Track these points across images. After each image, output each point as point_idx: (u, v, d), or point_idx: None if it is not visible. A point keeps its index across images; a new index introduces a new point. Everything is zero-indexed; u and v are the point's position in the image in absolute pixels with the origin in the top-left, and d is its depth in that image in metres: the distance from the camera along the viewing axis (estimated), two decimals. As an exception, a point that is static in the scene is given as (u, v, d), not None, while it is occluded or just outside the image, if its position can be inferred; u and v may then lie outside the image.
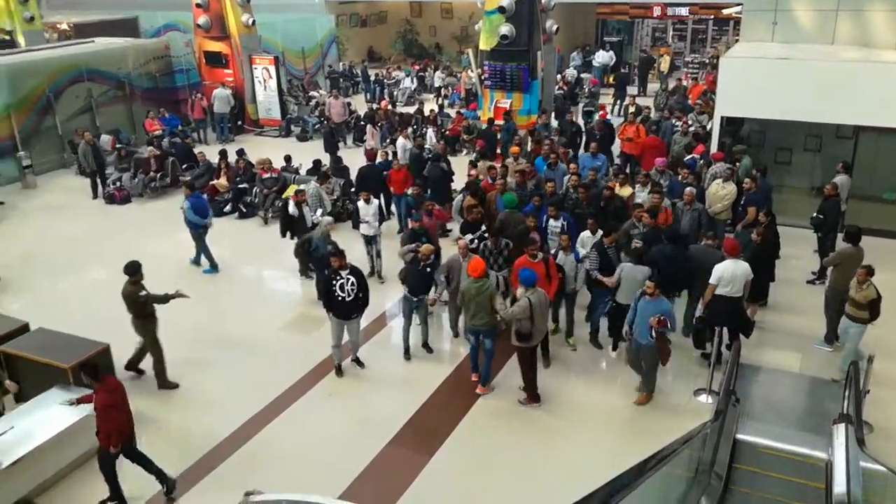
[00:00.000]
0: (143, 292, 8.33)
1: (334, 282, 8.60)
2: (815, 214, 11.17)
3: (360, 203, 11.21)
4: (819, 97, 12.23)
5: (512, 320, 7.98)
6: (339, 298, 8.56)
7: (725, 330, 8.66)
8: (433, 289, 9.31)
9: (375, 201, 11.39)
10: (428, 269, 9.04)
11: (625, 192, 11.30)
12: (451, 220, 11.61)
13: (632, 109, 17.15)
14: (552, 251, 9.38)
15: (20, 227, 14.24)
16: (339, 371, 9.01)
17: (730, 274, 8.45)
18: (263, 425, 8.07)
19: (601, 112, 16.98)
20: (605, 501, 4.92)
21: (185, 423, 8.23)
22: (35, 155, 16.92)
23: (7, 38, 23.80)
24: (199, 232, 11.93)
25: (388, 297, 10.93)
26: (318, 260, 10.39)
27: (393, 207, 13.39)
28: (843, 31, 14.06)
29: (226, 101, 19.60)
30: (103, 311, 10.36)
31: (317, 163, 14.70)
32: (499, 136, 15.67)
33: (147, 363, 8.84)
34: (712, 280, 8.48)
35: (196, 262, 12.19)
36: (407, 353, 9.33)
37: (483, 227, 10.27)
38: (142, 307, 8.40)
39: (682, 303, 9.67)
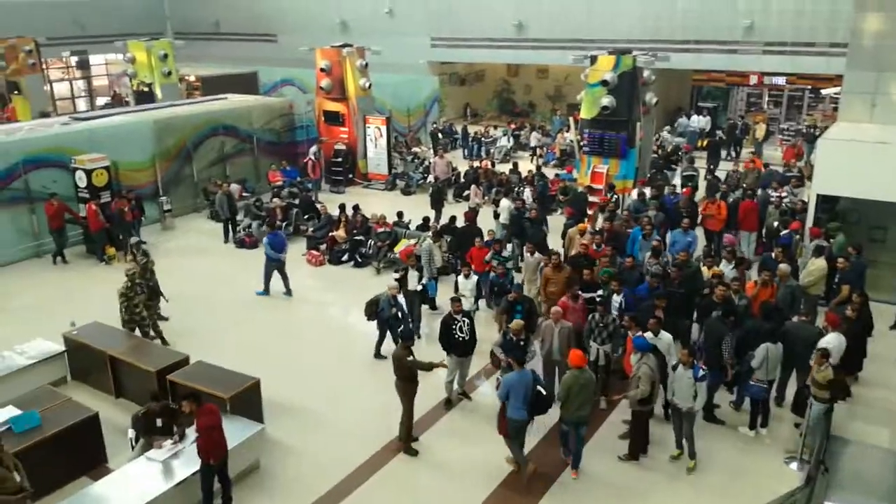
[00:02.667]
0: (410, 358, 9.00)
1: (453, 325, 9.81)
2: None
3: (460, 278, 11.99)
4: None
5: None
6: (459, 339, 9.73)
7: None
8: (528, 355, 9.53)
9: (474, 277, 12.06)
10: (521, 343, 9.55)
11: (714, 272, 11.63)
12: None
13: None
14: (672, 363, 9.13)
15: (165, 266, 15.83)
16: (449, 403, 10.13)
17: (837, 346, 9.12)
18: (388, 459, 9.18)
19: (685, 189, 17.11)
20: None
21: (324, 451, 9.34)
22: (173, 200, 18.89)
23: (147, 89, 26.49)
24: (273, 264, 13.96)
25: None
26: (384, 321, 11.40)
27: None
28: (942, 114, 14.41)
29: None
30: (248, 347, 11.85)
31: (426, 219, 16.03)
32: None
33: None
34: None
35: (268, 290, 14.17)
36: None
37: (600, 291, 11.03)
38: (407, 370, 9.05)
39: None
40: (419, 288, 12.33)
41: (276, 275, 14.10)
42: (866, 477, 8.88)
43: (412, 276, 13.32)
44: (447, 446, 9.41)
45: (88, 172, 16.01)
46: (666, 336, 9.46)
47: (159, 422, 8.25)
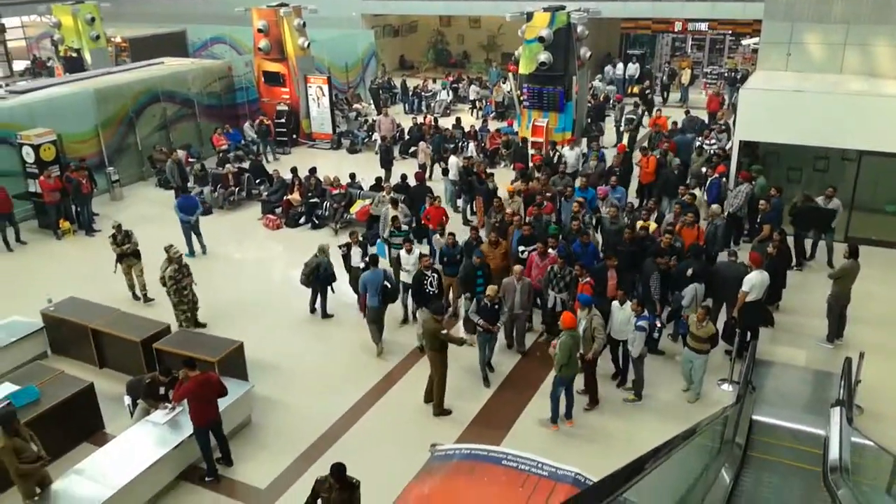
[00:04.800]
0: (444, 331, 9.51)
1: (424, 280, 10.71)
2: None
3: (402, 252, 11.86)
4: (827, 125, 13.95)
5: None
6: (429, 292, 10.60)
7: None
8: (500, 319, 10.34)
9: (417, 251, 11.91)
10: (496, 306, 10.18)
11: (652, 226, 12.51)
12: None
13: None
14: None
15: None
16: (423, 350, 10.75)
17: (759, 283, 10.29)
18: (376, 400, 10.11)
19: (619, 146, 17.77)
20: (642, 467, 6.63)
21: (308, 404, 10.11)
22: (119, 169, 18.86)
23: (76, 55, 25.78)
24: (185, 225, 14.61)
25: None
26: (326, 279, 12.11)
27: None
28: (850, 63, 15.73)
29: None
30: (219, 311, 12.38)
31: (378, 180, 16.65)
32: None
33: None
34: (745, 288, 10.26)
35: (192, 252, 14.71)
36: (486, 381, 10.41)
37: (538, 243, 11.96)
38: (439, 342, 9.49)
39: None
40: (361, 265, 11.85)
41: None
42: (786, 392, 10.28)
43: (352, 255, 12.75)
44: (421, 391, 10.24)
45: (36, 147, 15.92)
46: (628, 308, 9.83)
47: (162, 389, 8.84)
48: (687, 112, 21.11)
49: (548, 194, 13.92)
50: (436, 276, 10.80)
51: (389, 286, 11.05)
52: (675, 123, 19.66)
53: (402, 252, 11.94)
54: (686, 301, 10.57)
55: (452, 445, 6.31)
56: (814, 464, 8.10)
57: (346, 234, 13.40)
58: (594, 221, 13.24)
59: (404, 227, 13.14)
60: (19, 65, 36.99)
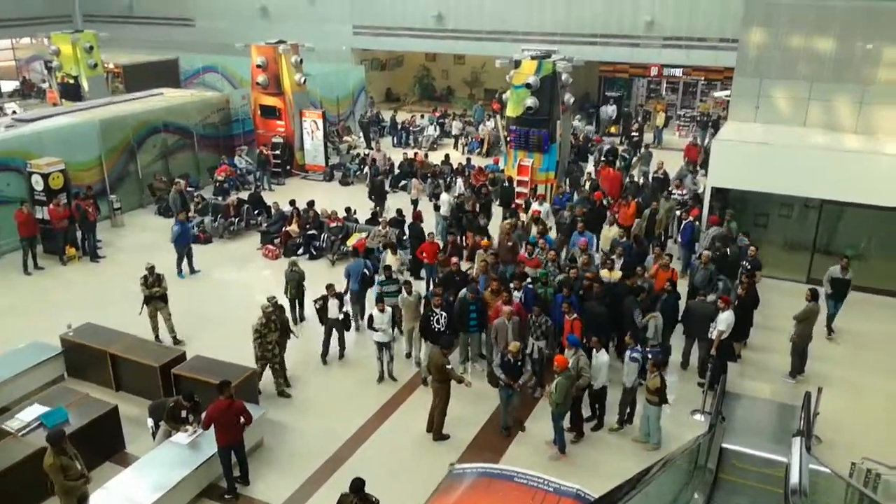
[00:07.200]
0: (449, 366, 10.25)
1: (431, 317, 11.42)
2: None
3: (375, 311, 11.70)
4: (791, 175, 15.16)
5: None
6: (436, 329, 11.35)
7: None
8: (523, 375, 10.45)
9: (389, 310, 11.75)
10: (519, 363, 10.35)
11: (615, 276, 12.93)
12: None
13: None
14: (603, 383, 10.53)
15: (125, 261, 16.65)
16: (426, 382, 11.49)
17: (731, 321, 11.31)
18: (377, 427, 10.87)
19: (596, 193, 17.74)
20: (634, 485, 7.52)
21: (315, 428, 10.87)
22: (120, 197, 19.51)
23: (73, 82, 26.46)
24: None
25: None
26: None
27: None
28: (813, 117, 17.04)
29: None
30: (225, 338, 12.92)
31: (374, 214, 17.53)
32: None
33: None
34: (722, 328, 11.27)
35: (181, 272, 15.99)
36: (507, 430, 10.77)
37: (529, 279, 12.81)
38: (444, 374, 10.23)
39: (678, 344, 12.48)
40: (340, 317, 12.41)
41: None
42: (753, 423, 11.28)
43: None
44: (422, 417, 10.94)
45: (45, 176, 16.57)
46: (603, 356, 10.49)
47: (184, 413, 9.56)
48: (646, 147, 22.36)
49: (509, 244, 14.45)
50: (444, 314, 11.38)
51: (368, 273, 13.37)
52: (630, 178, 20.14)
53: (375, 311, 11.74)
54: (650, 333, 11.49)
55: (469, 464, 7.13)
56: (777, 487, 9.06)
57: (343, 264, 14.13)
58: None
59: (395, 276, 13.19)
60: (7, 86, 37.47)
